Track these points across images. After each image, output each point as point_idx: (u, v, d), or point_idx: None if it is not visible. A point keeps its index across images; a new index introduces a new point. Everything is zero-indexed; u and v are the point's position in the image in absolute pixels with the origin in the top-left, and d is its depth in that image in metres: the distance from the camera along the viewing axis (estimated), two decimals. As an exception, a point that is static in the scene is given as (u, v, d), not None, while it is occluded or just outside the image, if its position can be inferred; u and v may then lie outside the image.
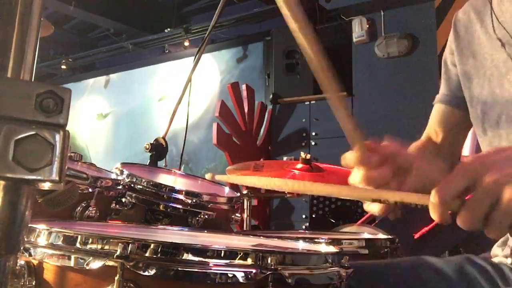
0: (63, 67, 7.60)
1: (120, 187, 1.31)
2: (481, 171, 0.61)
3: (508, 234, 0.98)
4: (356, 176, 0.80)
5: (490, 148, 0.68)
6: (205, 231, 1.20)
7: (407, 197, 0.67)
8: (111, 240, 0.71)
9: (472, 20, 1.10)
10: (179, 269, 0.69)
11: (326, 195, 0.88)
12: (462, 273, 0.99)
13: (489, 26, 1.05)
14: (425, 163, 0.90)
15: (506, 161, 0.62)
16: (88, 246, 0.72)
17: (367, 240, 1.43)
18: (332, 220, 3.89)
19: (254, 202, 4.16)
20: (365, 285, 0.97)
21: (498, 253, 1.06)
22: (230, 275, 0.70)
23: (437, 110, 1.22)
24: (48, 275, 0.75)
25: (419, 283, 0.99)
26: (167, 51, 6.71)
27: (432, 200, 0.61)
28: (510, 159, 0.62)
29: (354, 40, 4.23)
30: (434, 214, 0.62)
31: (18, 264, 0.75)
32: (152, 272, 0.68)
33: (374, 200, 0.73)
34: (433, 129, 1.22)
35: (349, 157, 0.79)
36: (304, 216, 4.37)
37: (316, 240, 1.31)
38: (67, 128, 0.44)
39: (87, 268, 0.70)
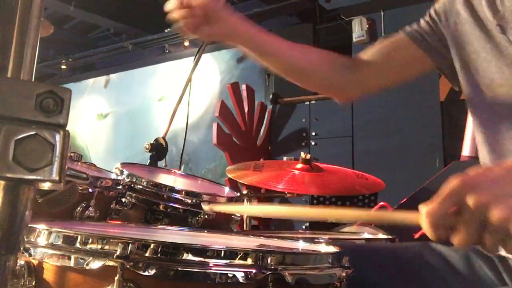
0: (63, 67, 7.60)
1: (120, 187, 1.31)
2: (467, 193, 0.61)
3: None
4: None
5: (478, 168, 0.69)
6: (205, 231, 1.20)
7: (398, 216, 0.69)
8: (111, 240, 0.71)
9: (461, 11, 1.08)
10: (179, 269, 0.69)
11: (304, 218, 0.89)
12: (469, 262, 1.00)
13: (483, 14, 1.02)
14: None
15: (492, 181, 0.62)
16: (88, 246, 0.72)
17: (367, 240, 1.43)
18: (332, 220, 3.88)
19: (254, 202, 4.15)
20: (373, 266, 0.98)
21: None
22: (230, 275, 0.70)
23: (392, 37, 1.17)
24: (48, 275, 0.75)
25: (427, 268, 1.00)
26: (167, 51, 6.71)
27: (424, 224, 0.63)
28: (496, 180, 0.63)
29: (354, 40, 4.23)
30: (428, 234, 0.64)
31: (18, 264, 0.75)
32: (152, 272, 0.68)
33: (371, 221, 0.74)
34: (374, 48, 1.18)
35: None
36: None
37: (316, 240, 1.31)
38: (67, 128, 0.44)
39: (87, 268, 0.70)
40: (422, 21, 1.16)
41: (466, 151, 2.84)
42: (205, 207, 0.87)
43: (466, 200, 0.61)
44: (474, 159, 2.82)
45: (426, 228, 0.63)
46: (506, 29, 0.96)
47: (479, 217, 0.60)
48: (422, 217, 0.63)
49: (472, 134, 2.79)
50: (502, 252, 1.05)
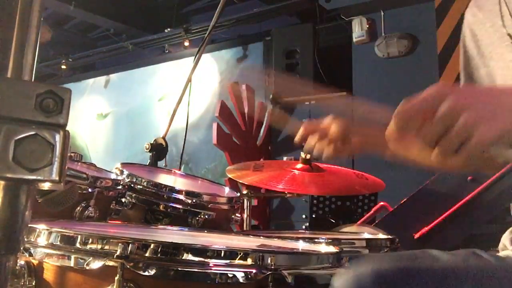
0: (63, 67, 7.60)
1: (120, 187, 1.31)
2: (443, 99, 0.65)
3: None
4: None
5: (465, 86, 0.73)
6: (205, 231, 1.20)
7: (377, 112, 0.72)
8: (111, 240, 0.71)
9: (481, 20, 1.08)
10: (179, 269, 0.69)
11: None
12: (468, 267, 0.99)
13: (497, 24, 1.03)
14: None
15: (470, 92, 0.67)
16: (88, 246, 0.72)
17: (367, 240, 1.43)
18: (332, 220, 3.89)
19: (254, 202, 4.15)
20: (368, 278, 0.97)
21: (506, 243, 1.05)
22: (230, 275, 0.70)
23: None
24: (48, 275, 0.75)
25: (424, 275, 0.98)
26: (167, 51, 6.71)
27: (394, 119, 0.67)
28: (473, 93, 0.68)
29: (354, 40, 4.23)
30: (387, 133, 0.69)
31: (18, 264, 0.75)
32: (152, 272, 0.68)
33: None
34: None
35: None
36: (304, 216, 4.37)
37: (316, 240, 1.31)
38: (67, 128, 0.44)
39: (87, 268, 0.70)
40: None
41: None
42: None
43: (441, 103, 0.64)
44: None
45: (391, 125, 0.67)
46: None
47: (447, 120, 0.63)
48: (395, 112, 0.67)
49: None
50: (503, 254, 1.05)
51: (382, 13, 4.14)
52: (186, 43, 6.29)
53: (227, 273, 0.70)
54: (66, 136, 0.43)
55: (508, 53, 0.99)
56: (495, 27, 1.03)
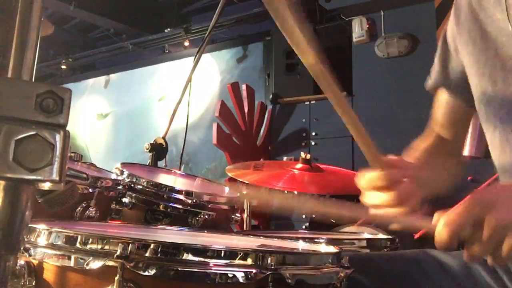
0: (63, 67, 7.60)
1: (120, 187, 1.31)
2: (486, 211, 0.66)
3: None
4: (370, 199, 0.84)
5: (494, 185, 0.75)
6: (205, 231, 1.20)
7: (413, 222, 0.72)
8: (111, 240, 0.71)
9: (475, 10, 1.08)
10: (179, 269, 0.69)
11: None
12: (467, 268, 0.98)
13: (495, 16, 1.02)
14: (431, 172, 0.97)
15: (509, 200, 0.68)
16: (88, 246, 0.72)
17: (367, 240, 1.43)
18: (332, 220, 3.89)
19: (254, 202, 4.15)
20: (368, 277, 0.97)
21: None
22: (230, 275, 0.70)
23: (443, 102, 1.19)
24: (48, 275, 0.75)
25: (423, 276, 0.98)
26: (167, 51, 6.71)
27: (441, 233, 0.67)
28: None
29: (354, 40, 4.23)
30: (440, 244, 0.69)
31: (18, 264, 0.75)
32: (152, 272, 0.68)
33: (385, 223, 0.77)
34: (440, 122, 1.20)
35: (370, 178, 0.81)
36: (304, 216, 4.37)
37: (316, 240, 1.31)
38: (67, 128, 0.44)
39: (87, 268, 0.70)
40: (450, 72, 1.17)
41: (466, 151, 2.84)
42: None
43: (484, 218, 0.66)
44: (474, 159, 2.82)
45: (444, 237, 0.67)
46: None
47: (496, 236, 0.66)
48: (440, 225, 0.67)
49: (472, 135, 2.79)
50: None
51: (382, 13, 4.14)
52: (186, 43, 6.29)
53: (227, 273, 0.70)
54: (66, 136, 0.43)
55: (503, 45, 0.99)
56: (492, 18, 1.03)
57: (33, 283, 0.75)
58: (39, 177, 0.42)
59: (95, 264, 0.69)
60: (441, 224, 0.67)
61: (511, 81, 0.96)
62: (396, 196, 0.81)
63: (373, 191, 0.83)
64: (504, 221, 0.65)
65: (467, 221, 0.67)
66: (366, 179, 0.84)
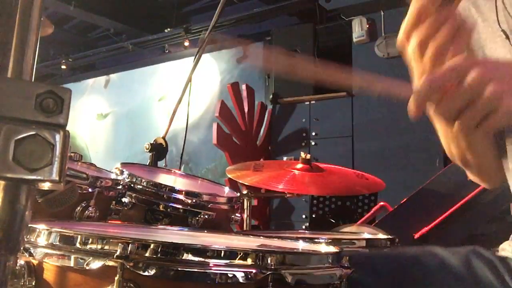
0: (63, 67, 7.60)
1: (120, 187, 1.31)
2: (471, 69, 0.61)
3: None
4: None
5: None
6: (205, 231, 1.20)
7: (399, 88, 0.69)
8: (111, 240, 0.71)
9: (474, 16, 1.09)
10: (179, 269, 0.69)
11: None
12: (468, 264, 0.98)
13: (491, 19, 1.03)
14: None
15: (495, 65, 0.64)
16: (88, 246, 0.72)
17: (367, 240, 1.43)
18: (332, 220, 3.89)
19: (254, 202, 4.16)
20: (369, 275, 0.97)
21: (505, 248, 1.05)
22: (230, 275, 0.70)
23: None
24: (48, 275, 0.75)
25: (424, 273, 0.98)
26: (167, 51, 6.71)
27: (419, 86, 0.63)
28: (500, 65, 0.64)
29: (354, 40, 4.23)
30: (413, 99, 0.65)
31: (18, 264, 0.75)
32: (152, 272, 0.68)
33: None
34: None
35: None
36: (304, 216, 4.37)
37: (316, 240, 1.31)
38: (67, 128, 0.44)
39: (87, 268, 0.70)
40: None
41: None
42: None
43: (469, 74, 0.61)
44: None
45: (418, 92, 0.64)
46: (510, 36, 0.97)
47: (474, 90, 0.60)
48: (420, 82, 0.63)
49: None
50: (503, 253, 1.04)
51: (382, 13, 4.15)
52: (186, 43, 6.29)
53: (227, 273, 0.70)
54: (66, 136, 0.43)
55: (500, 49, 0.99)
56: (489, 22, 1.03)
57: (33, 283, 0.75)
58: (39, 177, 0.42)
59: (95, 264, 0.69)
60: (421, 82, 0.62)
61: None
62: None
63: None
64: (483, 76, 0.60)
65: (447, 79, 0.61)
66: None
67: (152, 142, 1.86)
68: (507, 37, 0.98)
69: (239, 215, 1.55)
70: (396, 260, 1.03)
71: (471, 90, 0.61)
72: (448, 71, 0.62)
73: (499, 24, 0.99)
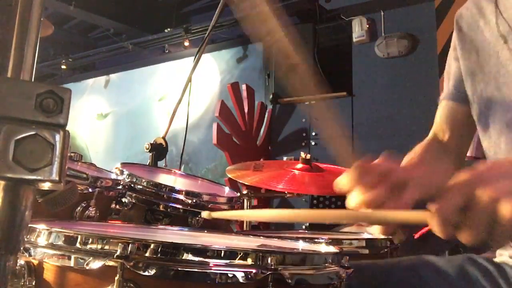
0: (63, 67, 7.60)
1: (120, 187, 1.31)
2: (477, 187, 0.60)
3: None
4: (353, 199, 0.74)
5: (487, 162, 0.68)
6: (205, 231, 1.20)
7: (405, 215, 0.67)
8: (111, 240, 0.71)
9: (475, 17, 1.10)
10: (179, 269, 0.69)
11: (321, 221, 0.86)
12: (464, 273, 0.98)
13: (492, 23, 1.04)
14: (424, 170, 0.91)
15: (502, 176, 0.61)
16: (88, 246, 0.72)
17: (367, 240, 1.43)
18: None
19: (254, 202, 4.15)
20: (365, 285, 0.96)
21: (503, 253, 1.05)
22: (230, 275, 0.70)
23: (444, 107, 1.19)
24: (48, 275, 0.75)
25: (420, 283, 0.98)
26: (167, 51, 6.71)
27: (433, 220, 0.61)
28: (505, 173, 0.62)
29: (354, 40, 4.23)
30: (437, 232, 0.62)
31: (18, 264, 0.75)
32: (152, 272, 0.68)
33: (373, 223, 0.72)
34: (440, 127, 1.20)
35: (342, 181, 0.74)
36: (304, 216, 4.36)
37: (316, 240, 1.31)
38: (67, 128, 0.44)
39: (87, 268, 0.70)
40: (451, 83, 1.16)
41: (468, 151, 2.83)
42: (204, 214, 0.82)
43: (475, 195, 0.59)
44: (474, 159, 2.82)
45: (436, 226, 0.61)
46: (508, 40, 0.97)
47: (490, 212, 0.59)
48: (432, 215, 0.61)
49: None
50: (500, 258, 1.04)
51: (382, 13, 4.14)
52: (186, 43, 6.29)
53: (227, 273, 0.70)
54: (66, 136, 0.43)
55: (502, 51, 1.00)
56: (490, 25, 1.04)
57: (33, 283, 0.75)
58: (39, 177, 0.42)
59: (95, 264, 0.69)
60: (432, 214, 0.61)
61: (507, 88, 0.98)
62: (388, 190, 0.72)
63: (361, 187, 0.74)
64: (495, 194, 0.58)
65: (457, 204, 0.60)
66: (337, 182, 0.75)
67: (152, 142, 1.86)
68: (505, 42, 0.98)
69: (239, 215, 1.55)
70: (392, 270, 1.03)
71: (487, 214, 0.59)
72: (455, 195, 0.61)
73: (498, 27, 1.00)
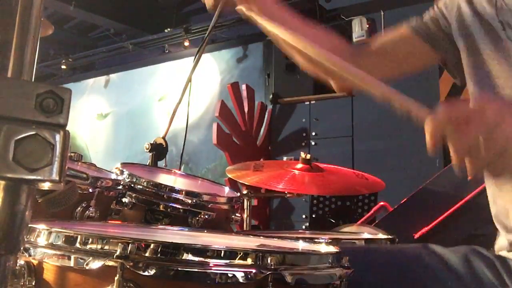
0: (63, 67, 7.60)
1: (120, 187, 1.31)
2: (485, 110, 0.66)
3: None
4: None
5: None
6: (205, 231, 1.20)
7: (409, 103, 0.71)
8: (111, 240, 0.71)
9: (461, 5, 1.09)
10: (179, 269, 0.69)
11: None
12: (468, 263, 0.99)
13: (485, 9, 1.03)
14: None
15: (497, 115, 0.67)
16: (88, 246, 0.72)
17: (367, 240, 1.43)
18: (332, 220, 3.89)
19: (254, 202, 4.16)
20: (369, 270, 0.97)
21: (503, 248, 1.06)
22: (230, 275, 0.70)
23: (398, 29, 1.17)
24: (48, 275, 0.75)
25: (424, 271, 0.98)
26: (167, 51, 6.71)
27: (427, 123, 0.67)
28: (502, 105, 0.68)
29: (354, 40, 4.23)
30: (427, 136, 0.68)
31: (18, 264, 0.75)
32: (152, 272, 0.68)
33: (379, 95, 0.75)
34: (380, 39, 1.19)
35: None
36: (304, 216, 4.37)
37: (316, 240, 1.31)
38: (67, 128, 0.44)
39: (87, 268, 0.70)
40: (426, 16, 1.16)
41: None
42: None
43: (482, 113, 0.65)
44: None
45: (428, 130, 0.67)
46: (506, 26, 0.97)
47: (486, 128, 0.64)
48: (428, 119, 0.67)
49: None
50: (502, 253, 1.05)
51: (382, 13, 4.15)
52: (186, 43, 6.29)
53: (227, 273, 0.70)
54: (66, 136, 0.43)
55: (488, 40, 1.00)
56: (482, 15, 1.04)
57: (33, 283, 0.75)
58: (39, 177, 0.42)
59: (95, 264, 0.69)
60: (429, 118, 0.67)
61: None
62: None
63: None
64: (490, 119, 0.64)
65: (453, 118, 0.66)
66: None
67: (152, 142, 1.86)
68: (503, 28, 0.98)
69: (239, 215, 1.55)
70: (396, 256, 1.04)
71: (483, 128, 0.65)
72: (452, 110, 0.68)
73: (497, 14, 0.99)
